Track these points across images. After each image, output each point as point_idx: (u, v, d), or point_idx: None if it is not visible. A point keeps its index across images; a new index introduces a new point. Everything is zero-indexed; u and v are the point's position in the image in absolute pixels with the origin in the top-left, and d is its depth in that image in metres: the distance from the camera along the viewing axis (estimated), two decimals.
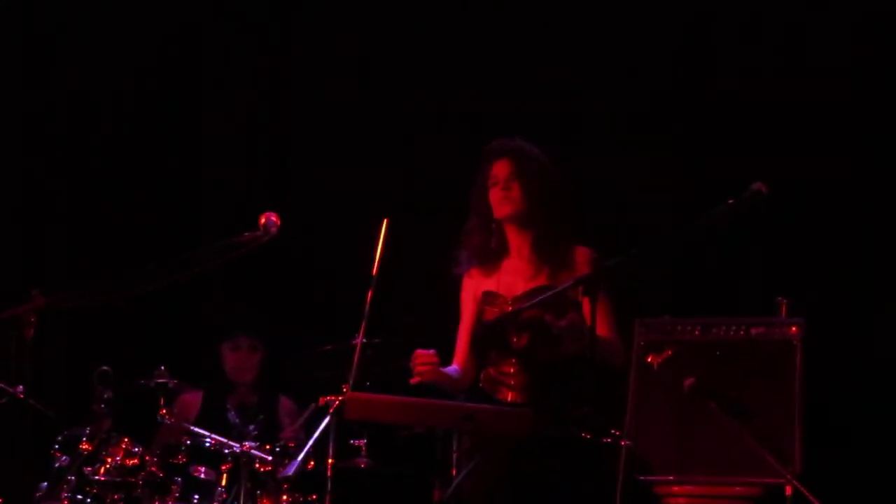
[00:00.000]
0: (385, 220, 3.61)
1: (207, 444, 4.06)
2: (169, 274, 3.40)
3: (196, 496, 3.99)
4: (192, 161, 5.25)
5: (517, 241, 3.74)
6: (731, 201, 3.28)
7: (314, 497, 4.05)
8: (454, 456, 3.50)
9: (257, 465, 4.02)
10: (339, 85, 5.16)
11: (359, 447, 4.27)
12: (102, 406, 4.01)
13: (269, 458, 4.03)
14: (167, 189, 5.21)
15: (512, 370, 3.65)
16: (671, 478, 3.43)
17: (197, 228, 5.07)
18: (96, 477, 3.98)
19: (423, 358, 3.49)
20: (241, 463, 3.99)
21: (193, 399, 4.68)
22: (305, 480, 4.02)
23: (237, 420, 4.49)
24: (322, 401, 3.87)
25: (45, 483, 3.99)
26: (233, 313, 4.80)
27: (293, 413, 4.64)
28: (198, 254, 3.41)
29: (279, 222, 3.44)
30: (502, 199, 3.69)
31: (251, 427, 4.42)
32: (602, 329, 3.53)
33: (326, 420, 3.84)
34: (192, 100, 5.24)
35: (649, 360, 3.44)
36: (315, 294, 5.08)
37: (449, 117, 4.98)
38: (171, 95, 5.25)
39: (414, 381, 3.49)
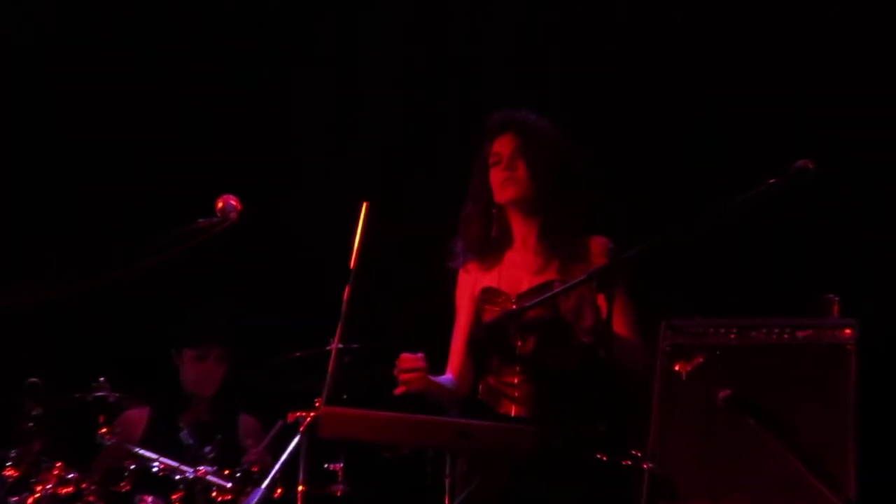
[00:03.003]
0: (365, 204, 3.61)
1: (155, 469, 4.06)
2: (112, 270, 3.44)
3: None
4: (146, 143, 5.28)
5: (522, 230, 3.74)
6: (772, 181, 3.29)
7: None
8: (447, 481, 3.51)
9: (214, 494, 4.02)
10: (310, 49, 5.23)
11: (334, 472, 4.27)
12: (31, 424, 4.01)
13: (229, 485, 4.04)
14: (118, 173, 5.26)
15: (515, 380, 3.66)
16: None
17: (151, 218, 4.93)
18: None
19: (408, 363, 3.49)
20: (196, 491, 4.00)
21: (139, 416, 4.67)
22: None
23: (191, 441, 4.49)
24: (291, 417, 3.96)
25: None
26: (201, 317, 4.81)
27: (256, 432, 4.64)
28: (146, 246, 3.43)
29: (240, 207, 3.46)
30: (505, 181, 3.70)
31: (207, 449, 4.43)
32: (620, 330, 3.53)
33: (296, 440, 3.97)
34: (148, 65, 5.28)
35: (677, 368, 3.44)
36: (282, 291, 5.10)
37: (444, 87, 4.99)
38: (126, 61, 5.29)
39: (399, 391, 3.49)
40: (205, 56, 5.24)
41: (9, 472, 3.99)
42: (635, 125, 4.75)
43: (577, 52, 4.88)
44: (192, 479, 4.00)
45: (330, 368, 3.63)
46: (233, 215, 3.45)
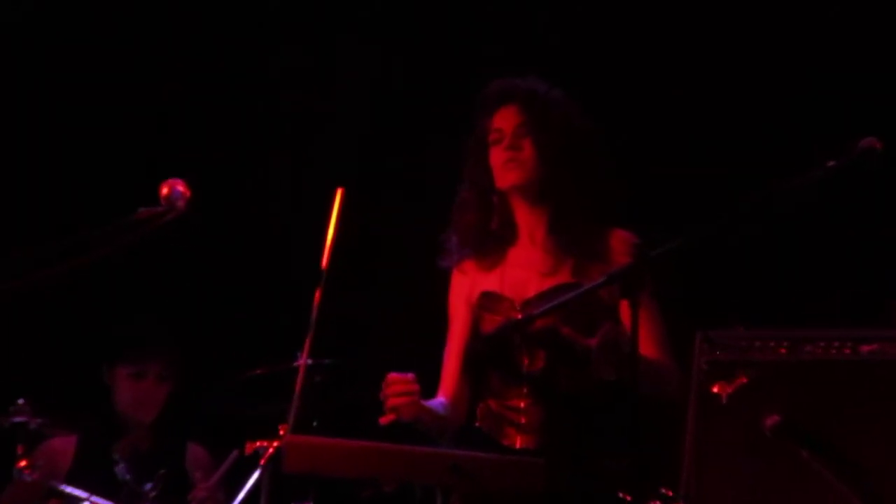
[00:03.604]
0: (339, 191, 3.57)
1: None
2: (34, 270, 3.29)
3: None
4: (76, 121, 5.26)
5: (529, 222, 3.68)
6: (831, 164, 3.18)
7: None
8: None
9: None
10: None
11: None
12: None
13: None
14: (43, 157, 5.23)
15: (521, 404, 3.60)
16: None
17: (85, 209, 4.98)
18: None
19: (398, 386, 3.41)
20: None
21: (65, 445, 4.61)
22: None
23: (128, 476, 4.46)
24: (249, 448, 3.95)
25: None
26: (137, 325, 4.79)
27: (207, 465, 4.60)
28: (75, 241, 3.30)
29: (188, 194, 3.31)
30: (508, 162, 3.64)
31: (148, 486, 4.43)
32: (647, 345, 3.46)
33: (256, 475, 4.01)
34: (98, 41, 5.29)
35: (716, 389, 3.33)
36: (240, 295, 5.11)
37: (435, 53, 4.99)
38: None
39: (385, 419, 3.41)
40: (169, 34, 5.27)
41: None
42: (667, 105, 4.73)
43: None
44: None
45: (297, 389, 3.59)
46: (180, 204, 3.30)
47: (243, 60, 5.31)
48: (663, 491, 3.31)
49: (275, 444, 3.87)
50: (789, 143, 4.45)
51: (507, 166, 3.63)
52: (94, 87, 5.27)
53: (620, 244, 3.61)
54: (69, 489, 4.08)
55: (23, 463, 4.04)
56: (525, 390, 3.57)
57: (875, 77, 4.56)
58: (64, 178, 5.25)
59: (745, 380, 3.33)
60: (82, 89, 5.28)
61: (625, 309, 3.26)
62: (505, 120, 3.65)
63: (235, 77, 5.31)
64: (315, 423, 4.08)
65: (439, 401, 3.65)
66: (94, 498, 4.05)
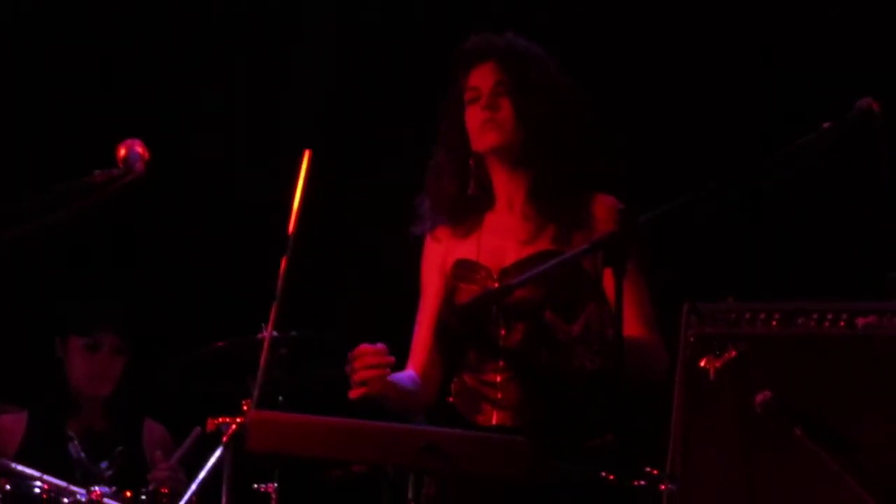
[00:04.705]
0: (306, 153, 3.56)
1: (37, 491, 4.04)
2: None
3: None
4: (29, 79, 5.25)
5: (507, 187, 3.68)
6: (826, 125, 3.21)
7: None
8: None
9: None
10: None
11: (267, 494, 4.22)
12: None
13: None
14: None
15: (498, 378, 3.60)
16: None
17: (36, 170, 5.06)
18: None
19: (367, 358, 3.41)
20: None
21: (14, 422, 4.62)
22: None
23: (82, 454, 4.48)
24: (211, 425, 3.99)
25: None
26: (90, 295, 4.75)
27: (166, 444, 4.62)
28: (23, 205, 3.30)
29: (147, 155, 3.34)
30: (485, 123, 3.63)
31: (104, 465, 4.47)
32: (631, 320, 3.46)
33: (217, 454, 4.05)
34: None
35: (703, 364, 3.35)
36: (201, 263, 5.09)
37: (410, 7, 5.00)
38: None
39: (354, 393, 3.41)
40: None
41: None
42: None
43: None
44: (85, 502, 3.98)
45: (261, 363, 3.58)
46: (138, 166, 3.32)
47: (201, 13, 5.28)
48: (648, 470, 3.32)
49: (238, 420, 3.90)
50: (786, 107, 4.43)
51: (484, 127, 3.62)
52: (40, 42, 5.22)
53: (604, 210, 3.61)
54: (20, 468, 4.07)
55: None
56: (501, 364, 3.58)
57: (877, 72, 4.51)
58: (9, 137, 5.18)
59: (734, 354, 3.35)
60: (27, 42, 5.23)
61: (608, 280, 3.21)
62: (481, 78, 3.64)
63: (192, 30, 5.27)
64: (281, 399, 4.09)
65: (408, 374, 3.65)
66: (46, 477, 4.04)
